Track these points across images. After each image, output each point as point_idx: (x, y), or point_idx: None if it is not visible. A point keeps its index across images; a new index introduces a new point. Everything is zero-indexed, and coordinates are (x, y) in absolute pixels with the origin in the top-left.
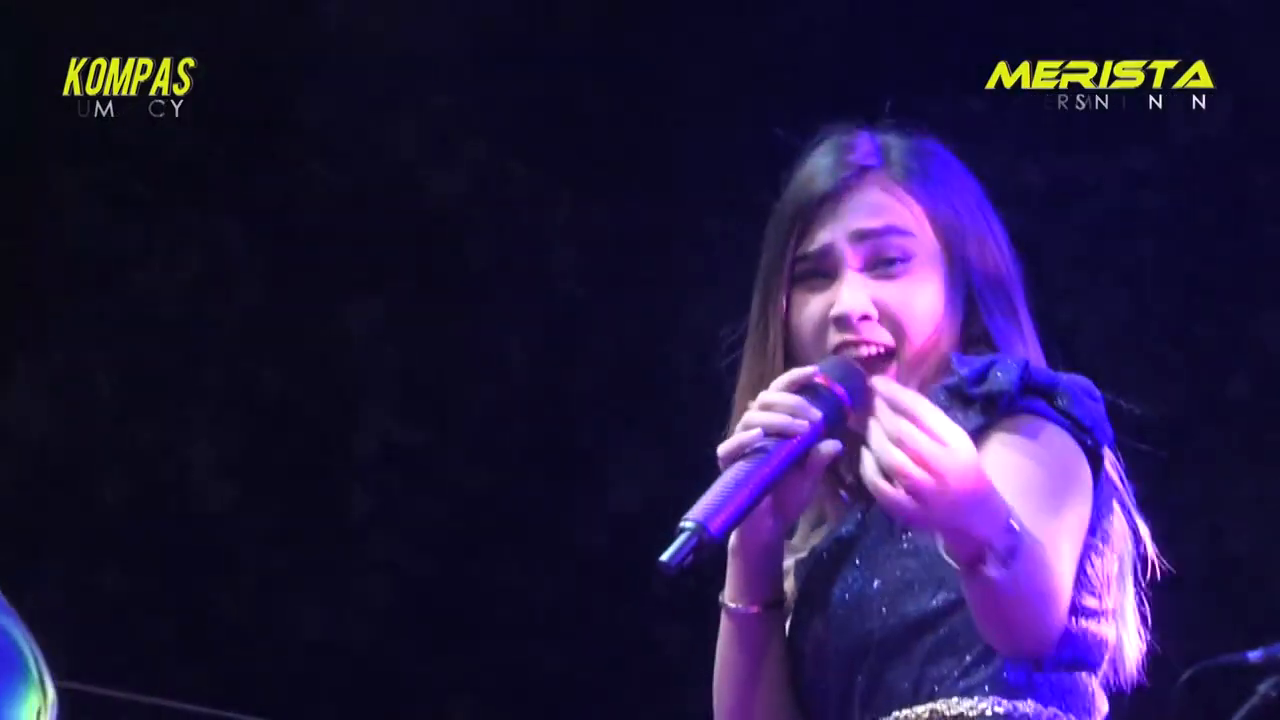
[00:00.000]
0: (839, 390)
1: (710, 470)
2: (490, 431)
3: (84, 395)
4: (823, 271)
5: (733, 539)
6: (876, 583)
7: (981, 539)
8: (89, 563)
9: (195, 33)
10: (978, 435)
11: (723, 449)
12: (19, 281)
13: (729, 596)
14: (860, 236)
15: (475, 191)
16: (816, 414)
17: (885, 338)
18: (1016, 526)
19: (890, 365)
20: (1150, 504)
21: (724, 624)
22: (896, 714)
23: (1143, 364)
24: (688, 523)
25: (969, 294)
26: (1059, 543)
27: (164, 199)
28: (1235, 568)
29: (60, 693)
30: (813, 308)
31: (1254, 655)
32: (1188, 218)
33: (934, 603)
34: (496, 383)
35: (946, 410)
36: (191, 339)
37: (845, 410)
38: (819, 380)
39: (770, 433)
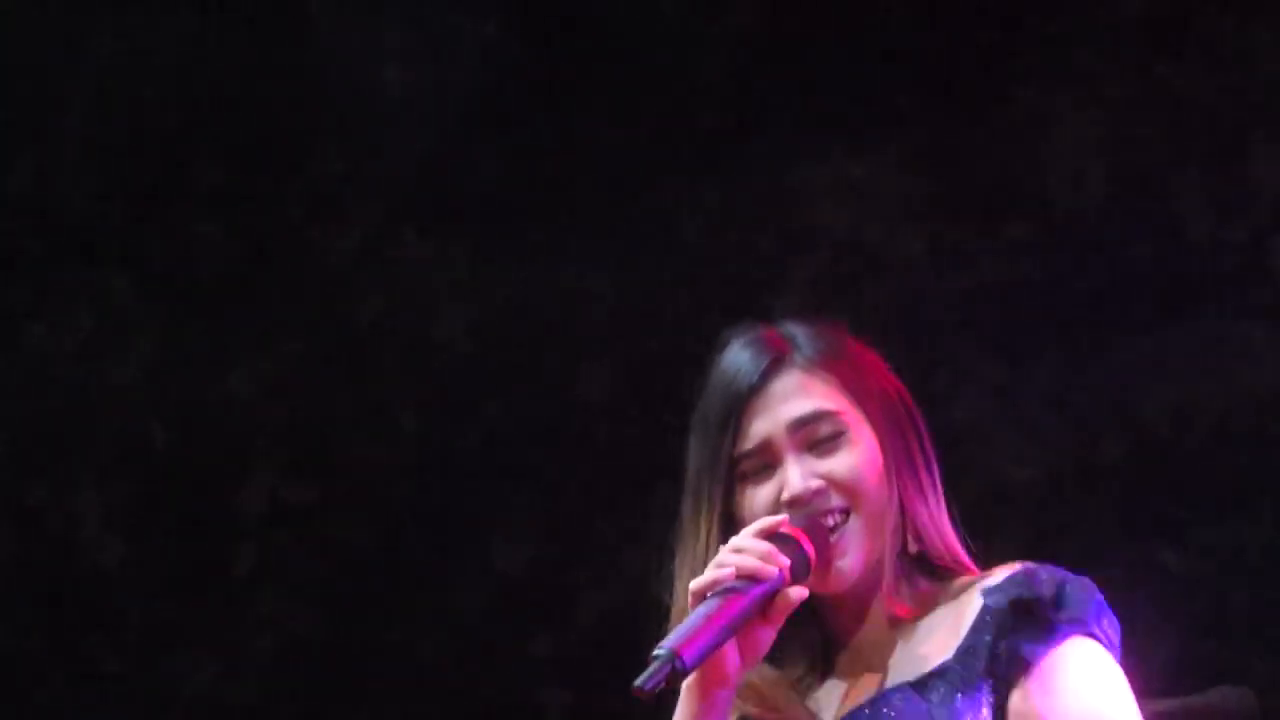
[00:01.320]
0: (805, 541)
1: (592, 537)
2: (376, 491)
3: None
4: (764, 465)
5: (689, 678)
6: None
7: None
8: None
9: (88, 89)
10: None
11: (695, 584)
12: None
13: None
14: (796, 425)
15: (366, 253)
16: (785, 560)
17: (840, 502)
18: None
19: (850, 524)
20: (1027, 558)
21: None
22: None
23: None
24: (661, 650)
25: (900, 453)
26: None
27: (55, 257)
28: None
29: None
30: (762, 497)
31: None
32: (1063, 286)
33: None
34: (384, 442)
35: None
36: (82, 395)
37: (809, 562)
38: (786, 530)
39: (741, 575)
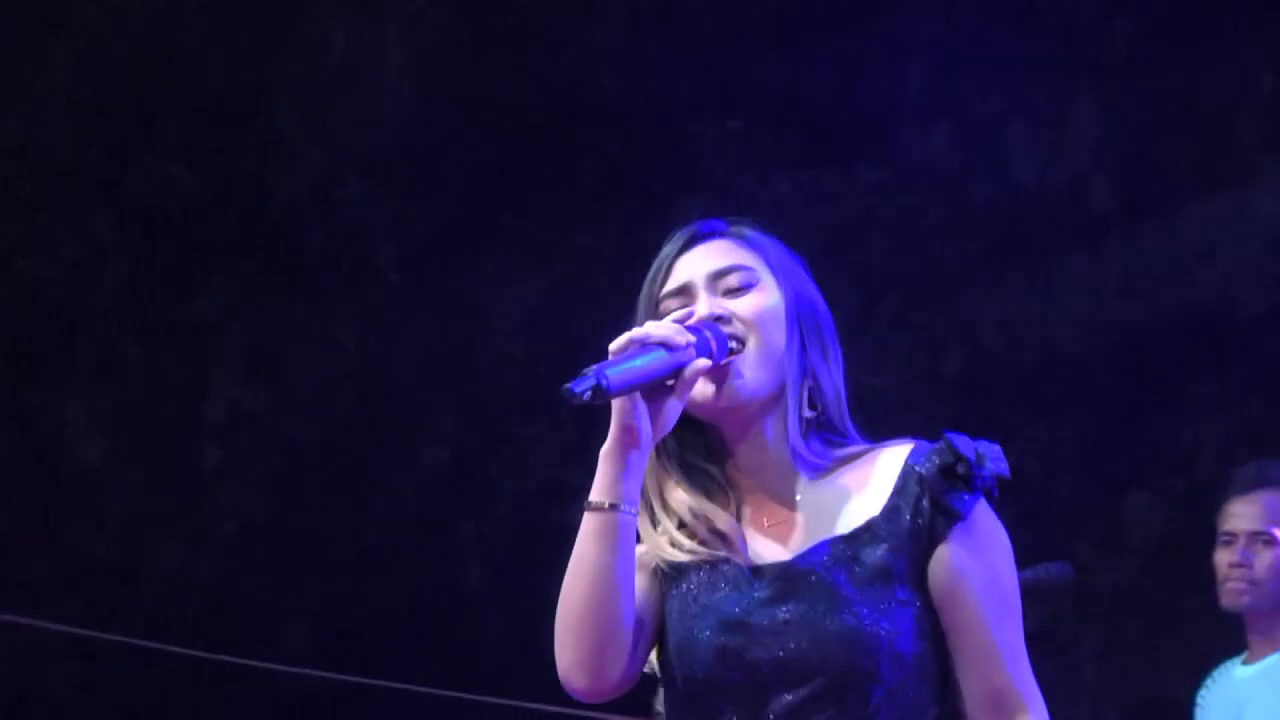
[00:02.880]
0: (709, 335)
1: (509, 437)
2: (321, 398)
3: None
4: (683, 305)
5: (608, 443)
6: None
7: None
8: None
9: (71, 53)
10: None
11: (615, 343)
12: None
13: (597, 495)
14: (714, 275)
15: (312, 193)
16: (691, 337)
17: (739, 331)
18: None
19: (745, 352)
20: None
21: (587, 523)
22: None
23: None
24: (590, 369)
25: (799, 325)
26: (1019, 641)
27: (43, 196)
28: None
29: None
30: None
31: None
32: (911, 223)
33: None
34: (327, 356)
35: (940, 487)
36: (68, 316)
37: (711, 350)
38: (693, 323)
39: (653, 340)
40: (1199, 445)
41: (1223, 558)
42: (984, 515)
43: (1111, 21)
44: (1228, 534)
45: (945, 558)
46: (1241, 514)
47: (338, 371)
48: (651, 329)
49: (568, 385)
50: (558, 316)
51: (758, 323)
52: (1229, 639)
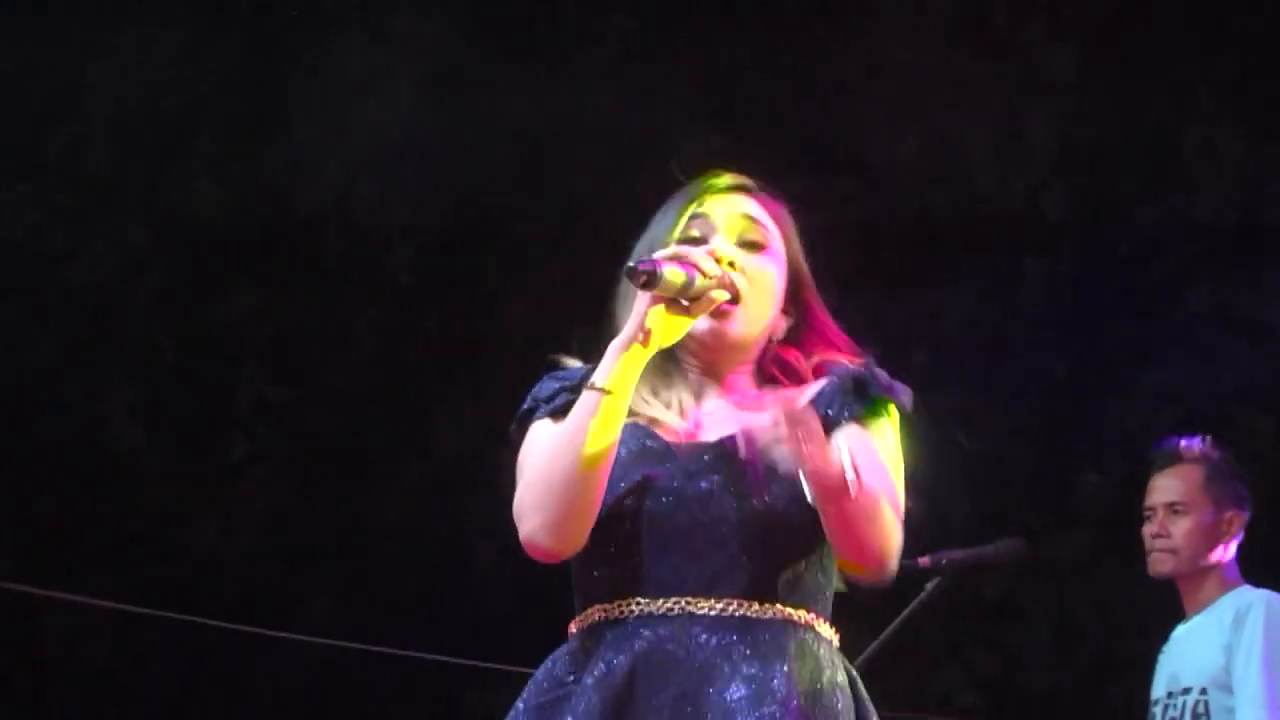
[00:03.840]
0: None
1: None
2: (341, 391)
3: (23, 362)
4: (704, 234)
5: (622, 336)
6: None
7: (837, 474)
8: (27, 490)
9: (111, 77)
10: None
11: (664, 252)
12: None
13: (603, 381)
14: (743, 217)
15: (330, 203)
16: (719, 271)
17: (742, 285)
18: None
19: (737, 310)
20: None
21: (587, 402)
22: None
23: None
24: (652, 260)
25: (793, 292)
26: (904, 491)
27: (85, 208)
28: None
29: (3, 593)
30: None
31: (924, 560)
32: (879, 227)
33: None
34: (346, 352)
35: (844, 393)
36: (109, 317)
37: (725, 288)
38: (721, 256)
39: (691, 261)
40: (1144, 429)
41: (1146, 530)
42: (881, 426)
43: (1062, 44)
44: (1149, 508)
45: (833, 440)
46: (1159, 488)
47: (356, 366)
48: (696, 254)
49: (633, 264)
50: (557, 312)
51: (759, 283)
52: (1174, 606)
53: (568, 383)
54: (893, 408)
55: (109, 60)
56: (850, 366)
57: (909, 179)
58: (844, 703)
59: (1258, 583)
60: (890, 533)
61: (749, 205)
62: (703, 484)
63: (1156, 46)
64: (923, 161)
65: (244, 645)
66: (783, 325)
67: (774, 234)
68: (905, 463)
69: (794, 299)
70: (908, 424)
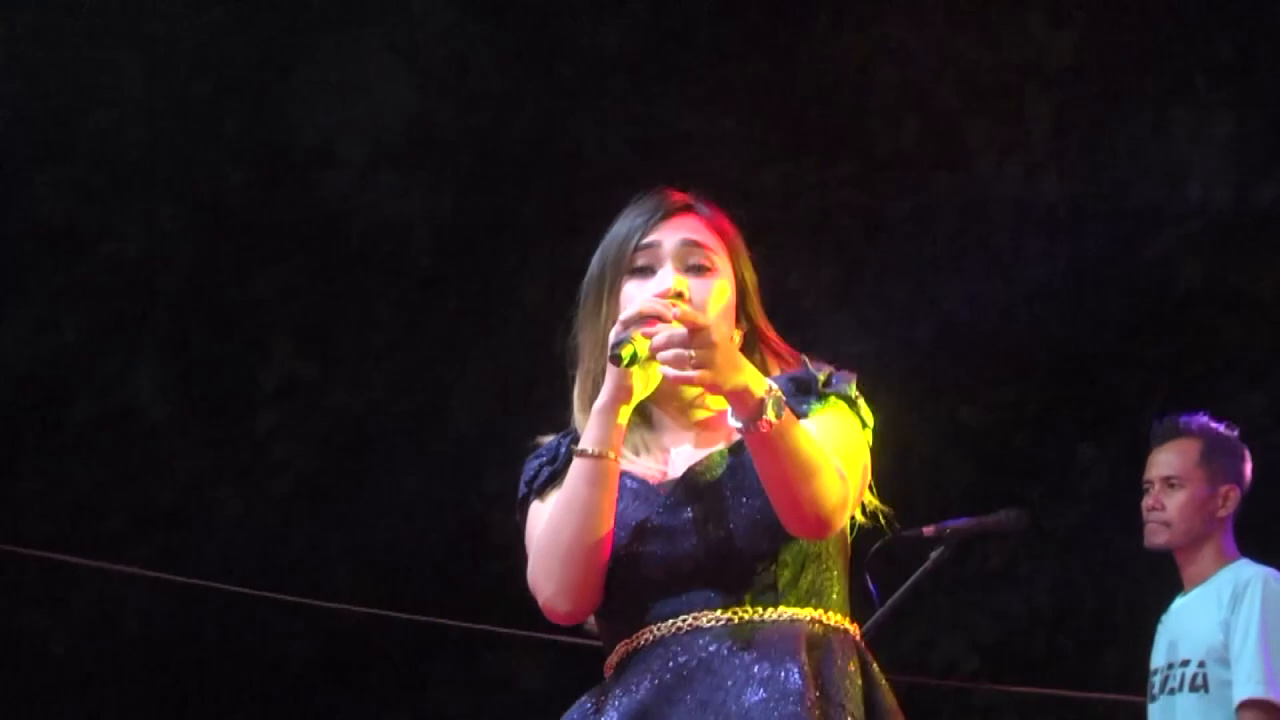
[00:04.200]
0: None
1: (529, 401)
2: (363, 368)
3: (56, 339)
4: (649, 265)
5: (603, 399)
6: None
7: (754, 396)
8: (61, 462)
9: (142, 65)
10: (811, 409)
11: (625, 315)
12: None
13: (590, 444)
14: (684, 243)
15: (353, 186)
16: (678, 313)
17: (695, 320)
18: (779, 392)
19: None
20: None
21: (580, 469)
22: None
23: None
24: (624, 337)
25: (742, 303)
26: (856, 466)
27: (118, 190)
28: (917, 469)
29: (40, 562)
30: (639, 289)
31: (928, 530)
32: (882, 208)
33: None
34: (369, 329)
35: (790, 395)
36: (140, 295)
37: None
38: (670, 301)
39: (654, 315)
40: (1142, 404)
41: (1144, 503)
42: (832, 413)
43: (1060, 30)
44: (1147, 481)
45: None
46: (1156, 463)
47: (377, 344)
48: (656, 307)
49: (616, 353)
50: (571, 291)
51: (709, 309)
52: (1169, 574)
53: (545, 457)
54: (837, 400)
55: (141, 46)
56: (789, 373)
57: (911, 160)
58: (853, 691)
59: (1251, 556)
60: (828, 492)
61: (693, 227)
62: (686, 513)
63: (1152, 32)
64: (925, 143)
65: (271, 611)
66: (738, 339)
67: (719, 253)
68: (867, 447)
69: (742, 310)
70: (864, 408)
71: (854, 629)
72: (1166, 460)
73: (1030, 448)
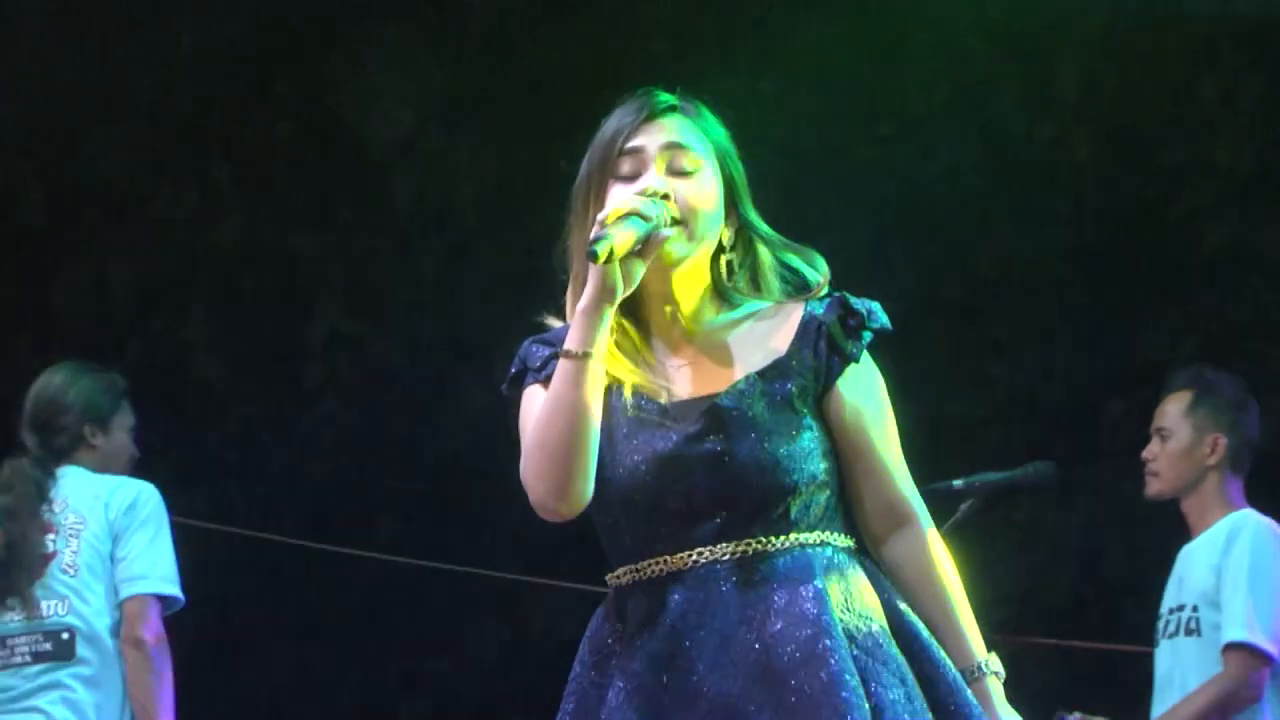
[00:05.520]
0: (660, 206)
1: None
2: (408, 323)
3: (109, 294)
4: (635, 171)
5: (586, 299)
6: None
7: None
8: None
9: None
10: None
11: (603, 214)
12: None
13: (574, 345)
14: (667, 146)
15: (402, 145)
16: (657, 209)
17: (677, 213)
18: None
19: (675, 233)
20: (887, 373)
21: (565, 369)
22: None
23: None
24: (601, 233)
25: (732, 203)
26: (898, 446)
27: (170, 149)
28: (949, 425)
29: None
30: (627, 190)
31: (957, 483)
32: (915, 170)
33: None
34: (412, 286)
35: (841, 327)
36: (191, 252)
37: (665, 223)
38: (651, 194)
39: (629, 211)
40: (1168, 360)
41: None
42: (868, 359)
43: None
44: (1150, 432)
45: (842, 394)
46: (1156, 414)
47: (422, 300)
48: (635, 203)
49: (592, 249)
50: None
51: (696, 209)
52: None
53: (554, 348)
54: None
55: (193, 8)
56: (828, 299)
57: (944, 124)
58: (872, 600)
59: (1265, 510)
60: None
61: (676, 128)
62: (706, 446)
63: None
64: (957, 104)
65: (316, 560)
66: (729, 235)
67: (704, 152)
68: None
69: (734, 209)
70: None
71: (852, 540)
72: (1161, 411)
73: (1059, 403)
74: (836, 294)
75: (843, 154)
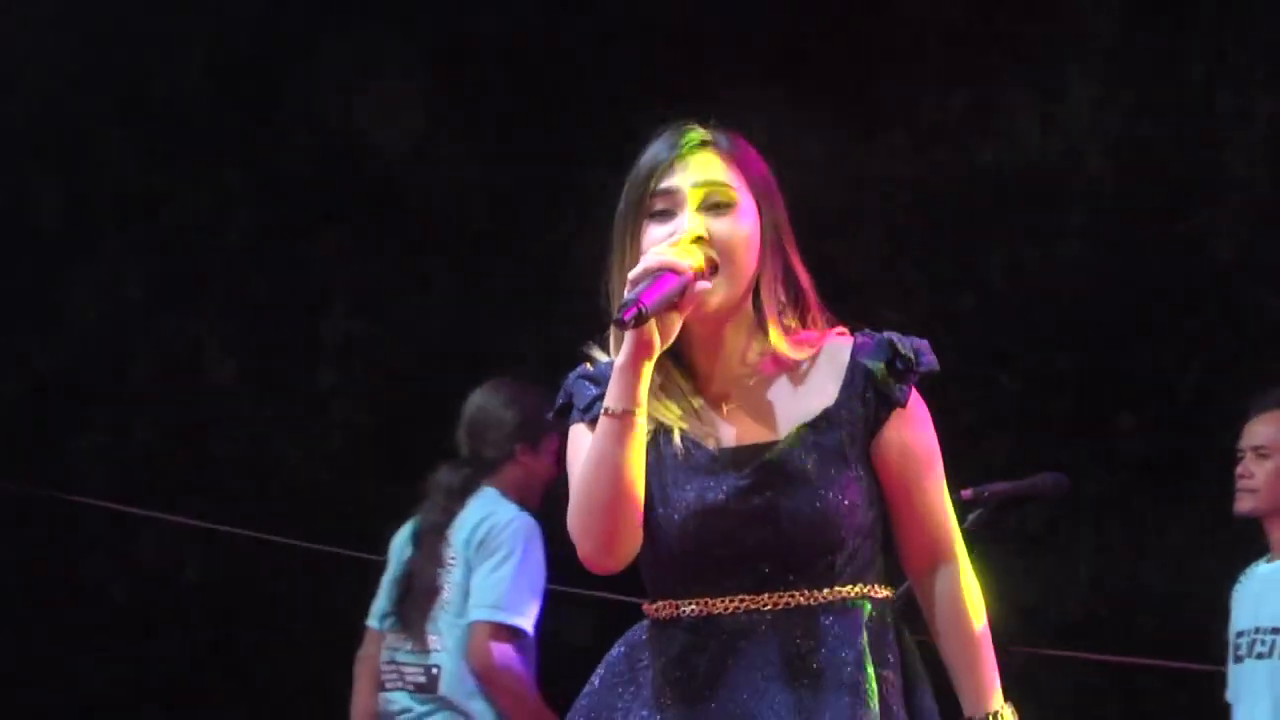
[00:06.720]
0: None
1: (573, 359)
2: (418, 327)
3: (122, 296)
4: (669, 209)
5: (624, 357)
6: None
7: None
8: (126, 416)
9: (206, 28)
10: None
11: (633, 273)
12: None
13: (613, 402)
14: (700, 184)
15: (412, 153)
16: (691, 262)
17: (714, 255)
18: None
19: (716, 277)
20: None
21: (606, 426)
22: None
23: (894, 283)
24: (630, 295)
25: (774, 239)
26: (946, 497)
27: (182, 151)
28: (958, 435)
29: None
30: (659, 232)
31: (966, 493)
32: (927, 180)
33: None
34: (424, 292)
35: (890, 368)
36: (203, 254)
37: (704, 272)
38: (688, 246)
39: (663, 267)
40: (1180, 374)
41: (1236, 470)
42: (916, 400)
43: (1104, 7)
44: (1239, 450)
45: (891, 439)
46: (1249, 433)
47: (433, 305)
48: (666, 256)
49: (620, 318)
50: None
51: (733, 248)
52: (1204, 541)
53: (600, 389)
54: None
55: (207, 10)
56: (875, 340)
57: (957, 134)
58: (893, 659)
59: None
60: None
61: (711, 164)
62: (756, 501)
63: (1193, 11)
64: (970, 114)
65: (326, 564)
66: (772, 270)
67: (740, 186)
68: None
69: (774, 244)
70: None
71: (889, 591)
72: (1258, 431)
73: (1070, 415)
74: (884, 336)
75: (851, 163)
